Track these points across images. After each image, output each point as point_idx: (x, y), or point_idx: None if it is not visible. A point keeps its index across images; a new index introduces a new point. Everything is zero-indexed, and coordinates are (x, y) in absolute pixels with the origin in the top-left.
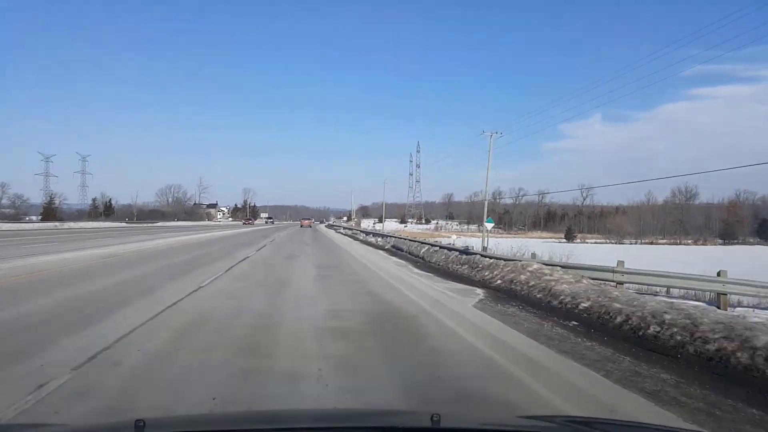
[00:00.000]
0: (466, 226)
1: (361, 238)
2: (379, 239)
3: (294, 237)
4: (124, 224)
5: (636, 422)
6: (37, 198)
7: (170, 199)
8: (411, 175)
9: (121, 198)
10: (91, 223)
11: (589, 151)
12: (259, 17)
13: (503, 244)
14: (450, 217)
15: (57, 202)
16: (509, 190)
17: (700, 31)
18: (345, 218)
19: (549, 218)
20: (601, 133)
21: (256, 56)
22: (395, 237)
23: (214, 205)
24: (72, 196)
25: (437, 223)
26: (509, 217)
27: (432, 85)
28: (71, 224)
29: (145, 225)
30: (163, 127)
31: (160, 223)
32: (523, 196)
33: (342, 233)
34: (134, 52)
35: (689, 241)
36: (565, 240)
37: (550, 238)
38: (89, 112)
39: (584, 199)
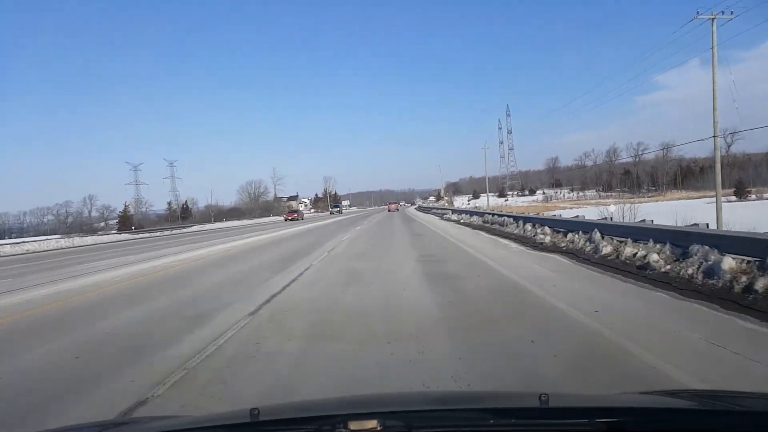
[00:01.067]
0: (580, 193)
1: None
2: None
3: (368, 268)
4: (132, 236)
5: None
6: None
7: (251, 196)
8: (501, 143)
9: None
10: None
11: (686, 102)
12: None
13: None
14: (557, 184)
15: (144, 208)
16: (626, 146)
17: None
18: (432, 198)
19: (686, 175)
20: (700, 79)
21: (343, 45)
22: None
23: (294, 197)
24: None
25: (544, 193)
26: (631, 177)
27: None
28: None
29: (158, 234)
30: (246, 124)
31: (196, 227)
32: (644, 151)
33: (453, 221)
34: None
35: None
36: (735, 198)
37: (701, 197)
38: (172, 118)
39: (729, 147)
